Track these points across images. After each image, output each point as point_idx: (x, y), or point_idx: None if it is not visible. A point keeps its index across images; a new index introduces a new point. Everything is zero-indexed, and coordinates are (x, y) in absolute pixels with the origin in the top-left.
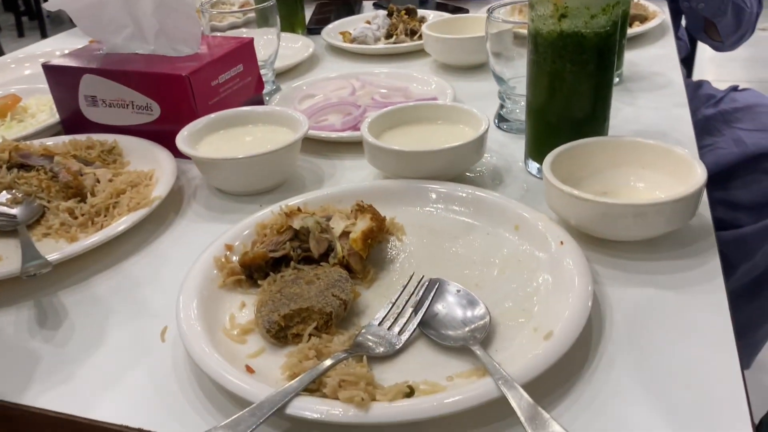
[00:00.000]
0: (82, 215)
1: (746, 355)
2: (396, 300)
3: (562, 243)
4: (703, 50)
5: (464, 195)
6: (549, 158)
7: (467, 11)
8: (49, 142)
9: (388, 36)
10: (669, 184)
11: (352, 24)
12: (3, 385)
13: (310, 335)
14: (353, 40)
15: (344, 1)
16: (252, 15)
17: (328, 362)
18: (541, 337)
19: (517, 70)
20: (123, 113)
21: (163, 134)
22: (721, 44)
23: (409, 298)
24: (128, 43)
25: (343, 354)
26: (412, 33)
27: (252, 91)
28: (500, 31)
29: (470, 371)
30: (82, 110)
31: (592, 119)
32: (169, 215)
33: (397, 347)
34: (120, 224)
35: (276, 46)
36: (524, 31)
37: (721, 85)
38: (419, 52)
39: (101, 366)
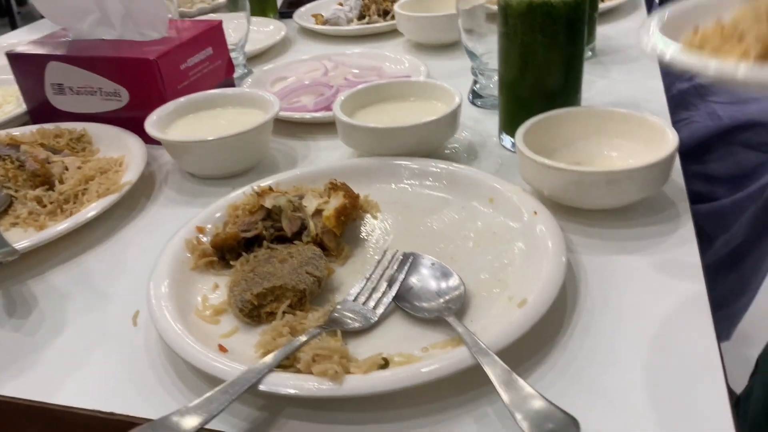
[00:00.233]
0: (51, 203)
1: (726, 326)
2: (370, 275)
3: (536, 213)
4: None
5: (438, 170)
6: (521, 130)
7: None
8: (16, 132)
9: (361, 17)
10: (642, 151)
11: (325, 6)
12: None
13: (284, 313)
14: (325, 22)
15: None
16: (221, 0)
17: (302, 338)
18: (516, 305)
19: (489, 46)
20: (91, 100)
21: (133, 120)
22: None
23: (383, 273)
24: (94, 29)
25: (318, 330)
26: (385, 13)
27: (223, 75)
28: (472, 7)
29: (445, 342)
30: (49, 99)
31: (564, 91)
32: (141, 201)
33: (372, 321)
34: (89, 211)
35: (246, 30)
36: (495, 7)
37: None
38: (392, 32)
39: (73, 352)
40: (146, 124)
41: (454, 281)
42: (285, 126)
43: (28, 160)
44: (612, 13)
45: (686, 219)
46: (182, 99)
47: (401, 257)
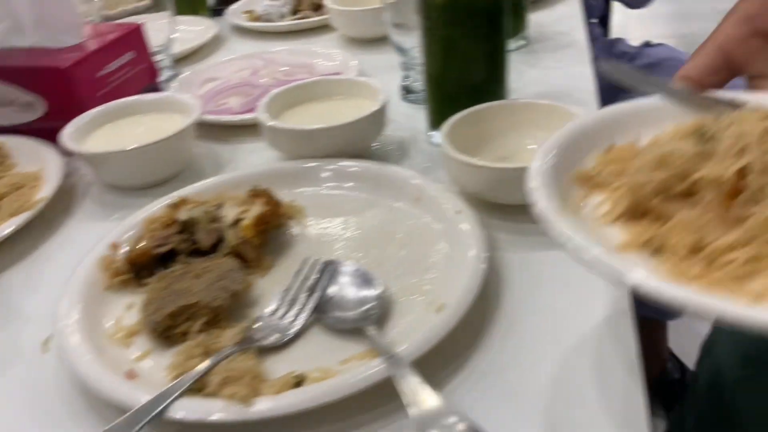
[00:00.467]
0: None
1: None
2: (289, 287)
3: (459, 212)
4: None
5: (363, 171)
6: (446, 127)
7: None
8: None
9: (295, 12)
10: None
11: (259, 2)
12: None
13: (199, 331)
14: (258, 18)
15: None
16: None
17: (214, 359)
18: (434, 310)
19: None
20: (6, 112)
21: (52, 131)
22: (631, 1)
23: (302, 284)
24: (5, 38)
25: (231, 349)
26: (318, 7)
27: (147, 79)
28: (398, 0)
29: (364, 353)
30: None
31: (489, 85)
32: (59, 217)
33: (290, 336)
34: (1, 230)
35: (171, 31)
36: None
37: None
38: (327, 27)
39: None
40: (62, 137)
41: (375, 288)
42: (211, 129)
43: None
44: (543, 1)
45: None
46: (100, 108)
47: (321, 266)
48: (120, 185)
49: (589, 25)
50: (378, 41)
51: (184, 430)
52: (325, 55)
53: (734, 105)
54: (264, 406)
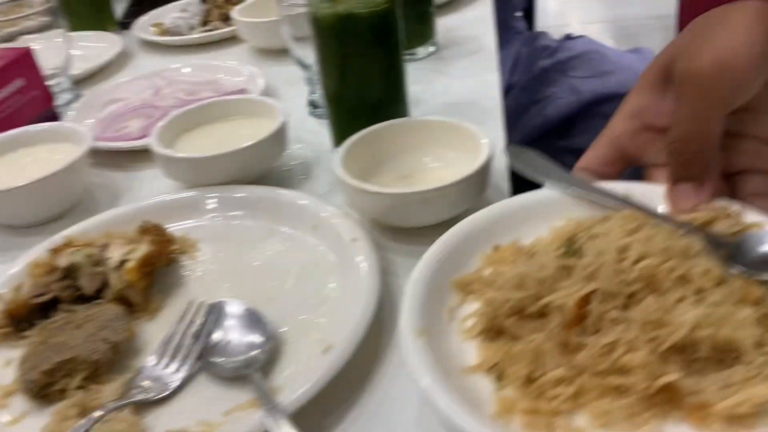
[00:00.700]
0: None
1: None
2: (173, 334)
3: (355, 240)
4: None
5: (258, 199)
6: (342, 150)
7: None
8: None
9: (204, 23)
10: (462, 160)
11: (168, 13)
12: None
13: (78, 388)
14: (166, 32)
15: None
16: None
17: (85, 421)
18: (322, 351)
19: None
20: None
21: None
22: None
23: (186, 330)
24: None
25: (108, 407)
26: (228, 18)
27: (41, 106)
28: (297, 13)
29: (251, 401)
30: None
31: (388, 102)
32: None
33: (172, 388)
34: None
35: (67, 51)
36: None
37: (575, 29)
38: (236, 39)
39: None
40: None
41: (264, 331)
42: (110, 156)
43: None
44: (453, 4)
45: None
46: None
47: (207, 309)
48: (9, 224)
49: (513, 18)
50: (287, 52)
51: None
52: (231, 70)
53: (624, 201)
54: None
